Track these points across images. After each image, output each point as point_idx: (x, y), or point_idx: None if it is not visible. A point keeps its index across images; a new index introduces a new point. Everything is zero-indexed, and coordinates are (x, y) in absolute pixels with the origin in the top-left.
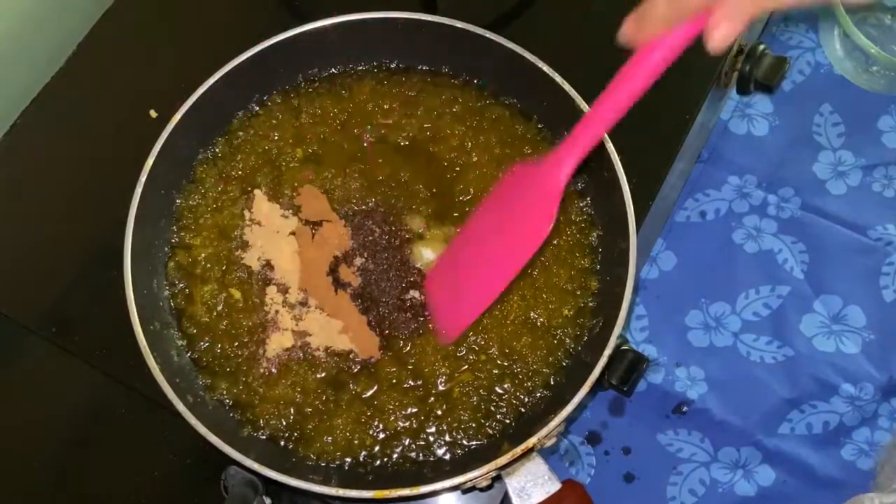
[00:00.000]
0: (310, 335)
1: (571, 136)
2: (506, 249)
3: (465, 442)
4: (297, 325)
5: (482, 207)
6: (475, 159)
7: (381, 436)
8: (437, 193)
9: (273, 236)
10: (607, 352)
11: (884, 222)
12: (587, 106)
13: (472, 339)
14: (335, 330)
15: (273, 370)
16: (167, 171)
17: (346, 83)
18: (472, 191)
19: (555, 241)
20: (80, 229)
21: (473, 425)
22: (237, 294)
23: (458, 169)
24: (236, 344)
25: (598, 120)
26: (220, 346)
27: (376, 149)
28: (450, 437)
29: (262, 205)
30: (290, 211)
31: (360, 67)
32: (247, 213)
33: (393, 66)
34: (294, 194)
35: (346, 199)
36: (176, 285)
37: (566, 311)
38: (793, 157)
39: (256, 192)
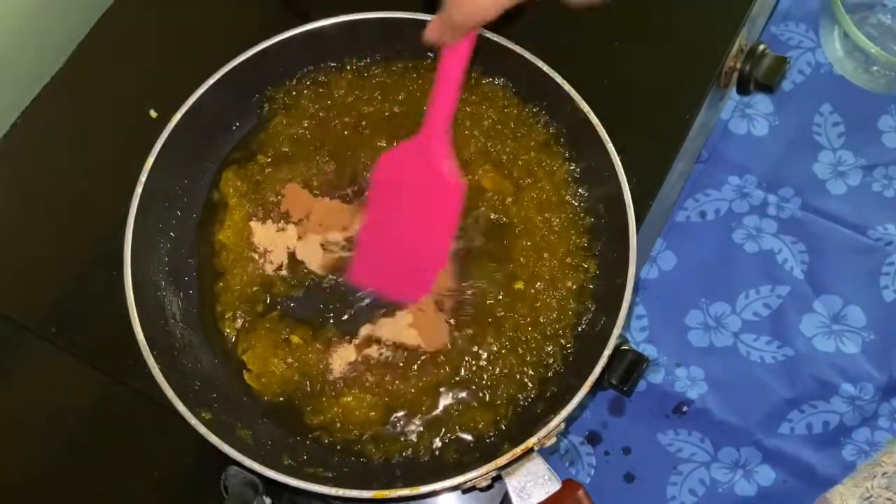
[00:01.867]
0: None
1: (429, 117)
2: (431, 211)
3: (464, 441)
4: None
5: (378, 188)
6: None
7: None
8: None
9: (284, 255)
10: (607, 352)
11: (884, 222)
12: (587, 106)
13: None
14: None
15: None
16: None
17: (333, 81)
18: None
19: (551, 238)
20: (80, 229)
21: (474, 424)
22: (297, 339)
23: None
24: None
25: (443, 98)
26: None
27: (354, 135)
28: (450, 436)
29: (259, 232)
30: (283, 220)
31: (360, 65)
32: (255, 254)
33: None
34: (279, 197)
35: (329, 187)
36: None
37: (563, 302)
38: (793, 157)
39: (251, 224)
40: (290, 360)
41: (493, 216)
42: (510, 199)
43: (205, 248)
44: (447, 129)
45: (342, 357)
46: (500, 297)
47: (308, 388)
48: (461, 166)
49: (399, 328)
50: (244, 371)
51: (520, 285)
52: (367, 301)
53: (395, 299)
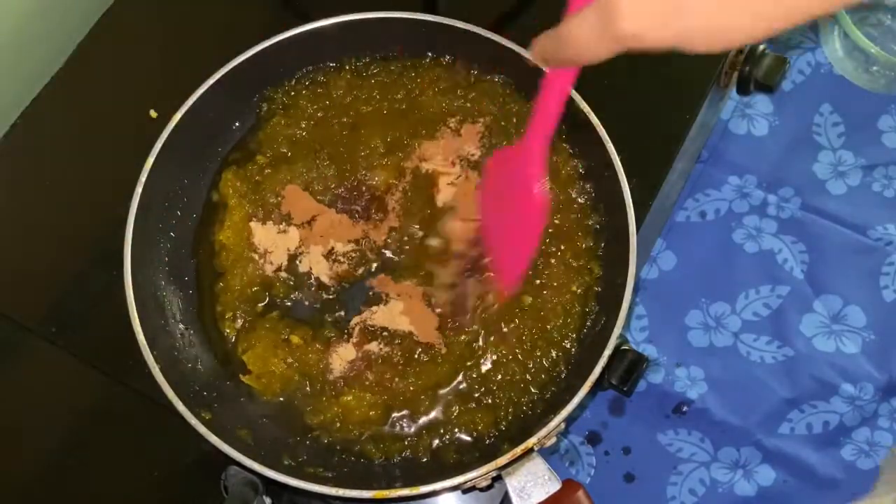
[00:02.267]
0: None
1: (530, 131)
2: (520, 223)
3: (464, 441)
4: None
5: (486, 188)
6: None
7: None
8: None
9: (284, 256)
10: (607, 352)
11: (884, 222)
12: (587, 106)
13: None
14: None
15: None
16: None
17: (332, 81)
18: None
19: (561, 247)
20: (80, 229)
21: (474, 425)
22: (297, 339)
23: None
24: (307, 382)
25: (544, 117)
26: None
27: (352, 137)
28: (449, 437)
29: (259, 233)
30: (284, 223)
31: (358, 65)
32: (255, 255)
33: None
34: (279, 199)
35: (326, 189)
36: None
37: (568, 307)
38: (793, 157)
39: (251, 224)
40: (289, 360)
41: None
42: None
43: (205, 248)
44: (543, 145)
45: (342, 356)
46: (506, 311)
47: (308, 389)
48: (471, 167)
49: (391, 315)
50: (242, 374)
51: (527, 300)
52: (365, 300)
53: (496, 281)
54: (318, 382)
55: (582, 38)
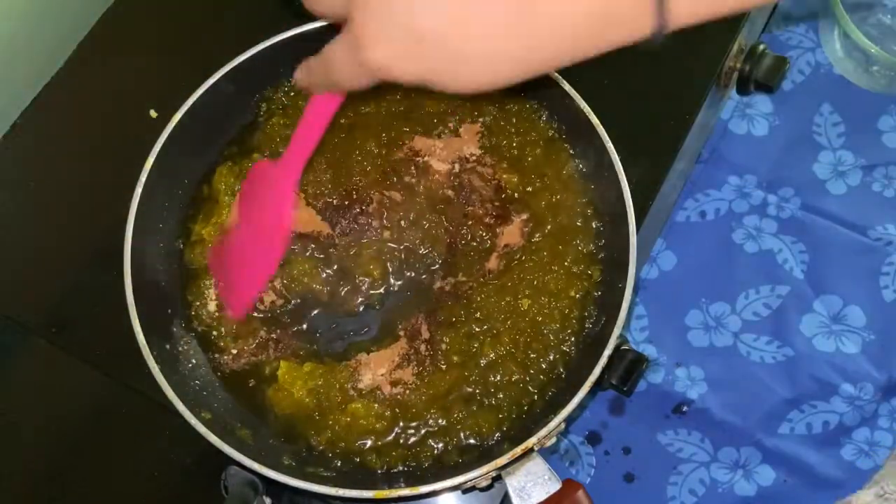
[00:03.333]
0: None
1: (288, 152)
2: (265, 235)
3: (465, 441)
4: None
5: (241, 198)
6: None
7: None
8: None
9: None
10: (607, 352)
11: (884, 222)
12: (587, 106)
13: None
14: None
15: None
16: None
17: None
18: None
19: (559, 249)
20: (80, 229)
21: (478, 427)
22: (308, 367)
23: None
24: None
25: (304, 140)
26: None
27: (351, 139)
28: (449, 436)
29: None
30: None
31: None
32: None
33: None
34: None
35: (319, 194)
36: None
37: (567, 311)
38: (793, 157)
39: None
40: (311, 386)
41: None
42: (529, 189)
43: (182, 241)
44: (298, 167)
45: (373, 369)
46: (502, 314)
47: (317, 416)
48: (474, 162)
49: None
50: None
51: (525, 303)
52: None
53: (223, 302)
54: (328, 407)
55: (338, 64)
